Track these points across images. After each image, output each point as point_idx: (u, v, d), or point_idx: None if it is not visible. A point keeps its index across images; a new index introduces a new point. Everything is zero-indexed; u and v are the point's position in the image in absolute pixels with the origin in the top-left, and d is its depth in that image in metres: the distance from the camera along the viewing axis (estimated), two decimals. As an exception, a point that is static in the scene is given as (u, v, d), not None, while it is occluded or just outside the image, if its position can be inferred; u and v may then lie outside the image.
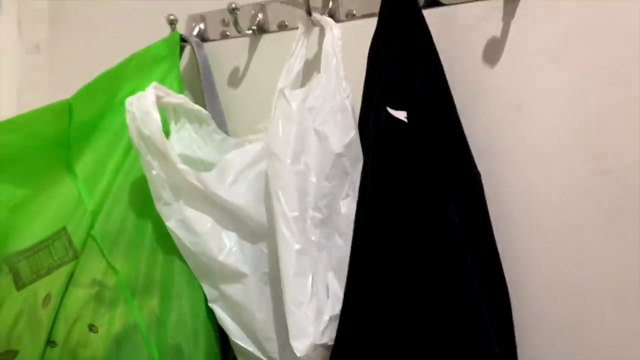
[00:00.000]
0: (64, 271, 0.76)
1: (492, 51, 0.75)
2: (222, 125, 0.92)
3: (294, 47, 0.82)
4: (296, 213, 0.71)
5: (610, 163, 0.69)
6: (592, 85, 0.70)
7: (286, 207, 0.71)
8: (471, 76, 0.76)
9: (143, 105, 0.75)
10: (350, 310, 0.66)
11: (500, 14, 0.74)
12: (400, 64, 0.71)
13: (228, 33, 0.95)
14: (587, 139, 0.71)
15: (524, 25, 0.73)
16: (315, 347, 0.66)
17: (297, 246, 0.70)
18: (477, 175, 0.71)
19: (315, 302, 0.68)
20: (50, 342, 0.75)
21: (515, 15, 0.73)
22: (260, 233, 0.79)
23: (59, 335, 0.75)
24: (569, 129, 0.71)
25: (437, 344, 0.63)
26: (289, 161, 0.73)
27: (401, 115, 0.68)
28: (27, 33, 1.10)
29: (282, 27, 0.91)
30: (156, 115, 0.75)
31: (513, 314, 0.70)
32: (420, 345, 0.63)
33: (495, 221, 0.71)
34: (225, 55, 0.96)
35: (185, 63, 0.97)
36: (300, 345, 0.66)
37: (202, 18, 0.97)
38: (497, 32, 0.75)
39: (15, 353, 0.74)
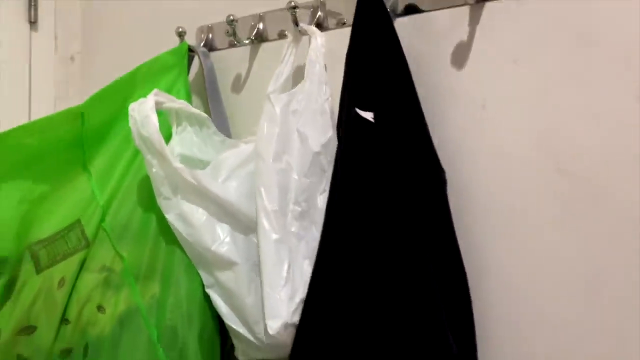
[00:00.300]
0: (77, 258, 0.86)
1: (460, 55, 0.79)
2: (226, 128, 1.00)
3: (283, 55, 0.89)
4: (276, 207, 0.78)
5: (568, 162, 0.72)
6: (551, 86, 0.73)
7: (267, 202, 0.78)
8: (440, 79, 0.80)
9: (143, 110, 0.84)
10: (313, 293, 0.72)
11: (467, 20, 0.78)
12: (369, 68, 0.76)
13: (236, 42, 1.03)
14: (546, 138, 0.74)
15: (488, 30, 0.77)
16: (287, 326, 0.73)
17: (275, 236, 0.77)
18: (440, 172, 0.75)
19: (290, 286, 0.75)
20: (64, 320, 0.84)
21: (480, 21, 0.77)
22: (252, 226, 0.85)
23: (72, 314, 0.84)
24: (530, 128, 0.75)
25: (392, 330, 0.68)
26: (271, 160, 0.79)
27: (368, 115, 0.73)
28: (62, 47, 1.22)
29: (282, 35, 0.98)
30: (154, 119, 0.83)
31: (475, 309, 0.74)
32: (375, 331, 0.69)
33: (458, 217, 0.75)
34: (230, 63, 1.03)
35: (195, 71, 1.06)
36: (273, 324, 0.73)
37: (210, 29, 1.05)
38: (465, 37, 0.79)
39: (34, 328, 0.84)
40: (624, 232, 0.69)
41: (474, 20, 0.77)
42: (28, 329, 0.84)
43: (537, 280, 0.74)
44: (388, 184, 0.71)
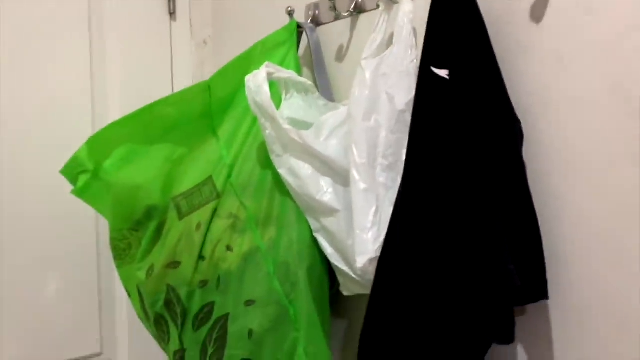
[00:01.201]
0: (210, 207, 1.03)
1: (538, 12, 0.84)
2: (329, 94, 1.12)
3: (376, 23, 0.99)
4: (364, 161, 0.89)
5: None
6: (623, 32, 0.76)
7: (357, 157, 0.89)
8: (519, 35, 0.85)
9: (257, 81, 0.98)
10: (391, 231, 0.83)
11: (543, -24, 0.82)
12: (446, 29, 0.84)
13: (337, 16, 1.14)
14: (620, 83, 0.76)
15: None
16: (372, 261, 0.85)
17: (363, 186, 0.88)
18: (514, 122, 0.81)
19: (377, 228, 0.86)
20: (201, 257, 1.02)
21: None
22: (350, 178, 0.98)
23: (207, 252, 1.02)
24: (603, 75, 0.78)
25: (458, 264, 0.77)
26: (360, 120, 0.91)
27: (443, 73, 0.81)
28: (196, 32, 1.41)
29: (379, 5, 1.07)
30: (266, 88, 0.97)
31: (551, 250, 0.80)
32: (442, 264, 0.78)
33: (535, 163, 0.81)
34: (334, 35, 1.15)
35: (305, 44, 1.19)
36: (361, 259, 0.85)
37: (316, 6, 1.17)
38: (543, -7, 0.83)
39: (179, 263, 1.03)
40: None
41: (549, -24, 0.82)
42: (174, 264, 1.03)
43: (612, 219, 0.78)
44: (460, 134, 0.79)
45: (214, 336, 1.00)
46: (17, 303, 1.23)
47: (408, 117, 0.89)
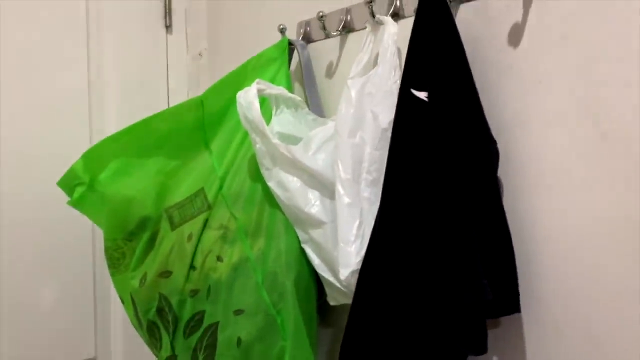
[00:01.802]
0: (201, 218, 1.06)
1: (515, 36, 0.87)
2: (320, 109, 1.16)
3: (362, 43, 1.02)
4: (349, 176, 0.92)
5: (610, 128, 0.78)
6: (592, 59, 0.80)
7: (342, 172, 0.93)
8: (498, 58, 0.89)
9: (248, 97, 1.02)
10: (372, 246, 0.86)
11: (521, 3, 0.86)
12: (425, 52, 0.87)
13: (332, 34, 1.18)
14: (589, 106, 0.80)
15: (540, 12, 0.84)
16: (354, 273, 0.88)
17: (348, 200, 0.92)
18: (490, 144, 0.85)
19: (359, 241, 0.90)
20: (192, 267, 1.05)
21: (533, 3, 0.85)
22: (337, 192, 1.01)
23: (198, 262, 1.05)
24: (576, 99, 0.81)
25: (432, 278, 0.81)
26: (346, 137, 0.94)
27: (422, 95, 0.85)
28: (192, 45, 1.45)
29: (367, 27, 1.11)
30: (256, 104, 1.01)
31: (519, 258, 0.84)
32: (416, 278, 0.81)
33: (511, 180, 0.85)
34: (324, 52, 1.19)
35: (296, 61, 1.23)
36: (344, 271, 0.89)
37: (308, 24, 1.21)
38: (519, 19, 0.87)
39: (170, 273, 1.06)
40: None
41: (527, 3, 0.85)
42: (166, 273, 1.06)
43: (584, 235, 0.81)
44: (436, 155, 0.82)
45: (204, 343, 1.03)
46: (14, 308, 1.26)
47: (390, 135, 0.93)
